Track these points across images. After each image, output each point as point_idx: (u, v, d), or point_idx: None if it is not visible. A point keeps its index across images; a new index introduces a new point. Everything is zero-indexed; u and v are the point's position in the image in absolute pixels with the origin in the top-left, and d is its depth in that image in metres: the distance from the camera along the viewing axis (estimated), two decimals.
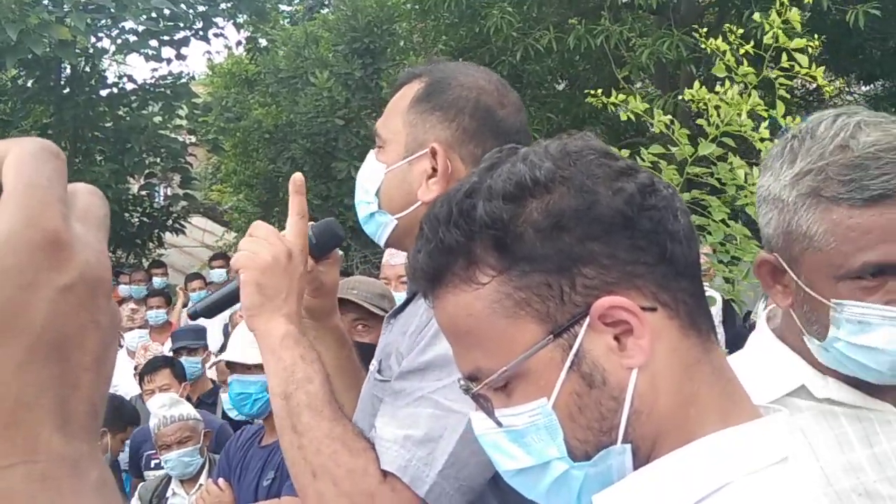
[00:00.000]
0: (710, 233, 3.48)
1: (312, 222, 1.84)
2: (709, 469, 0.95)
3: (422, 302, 1.71)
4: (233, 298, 1.86)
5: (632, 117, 3.70)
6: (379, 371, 1.74)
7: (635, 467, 0.98)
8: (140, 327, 8.40)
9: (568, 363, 0.96)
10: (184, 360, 6.02)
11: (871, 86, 13.18)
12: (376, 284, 3.32)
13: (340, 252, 1.95)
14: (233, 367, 3.41)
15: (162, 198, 15.05)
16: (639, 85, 11.60)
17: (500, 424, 1.02)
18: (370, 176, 1.78)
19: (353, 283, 3.27)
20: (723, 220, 3.42)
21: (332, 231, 1.84)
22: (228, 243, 15.12)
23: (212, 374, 6.26)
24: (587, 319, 0.96)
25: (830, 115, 1.44)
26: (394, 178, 1.74)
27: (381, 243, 1.83)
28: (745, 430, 0.98)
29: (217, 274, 10.68)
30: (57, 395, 0.50)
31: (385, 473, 1.53)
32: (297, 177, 1.81)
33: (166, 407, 4.14)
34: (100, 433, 0.54)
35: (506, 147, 1.07)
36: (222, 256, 11.53)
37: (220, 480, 3.36)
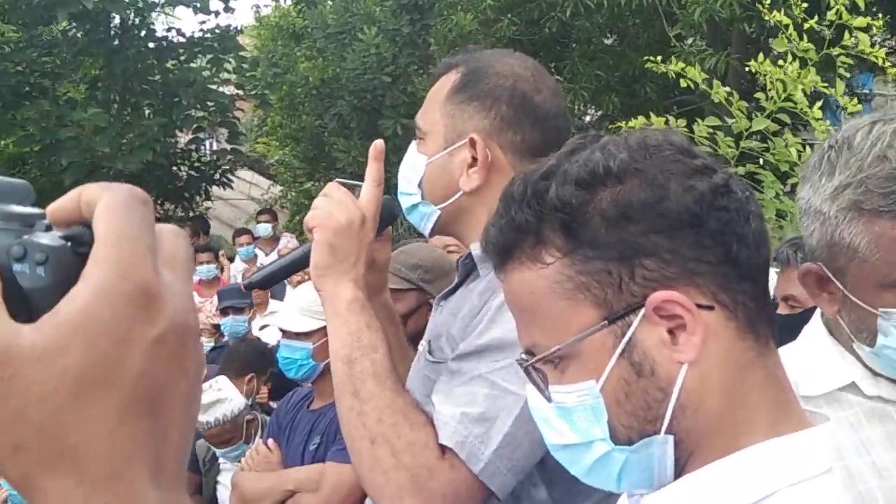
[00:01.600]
0: (763, 206, 3.44)
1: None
2: (755, 478, 0.97)
3: (473, 285, 1.76)
4: (289, 270, 1.90)
5: (691, 85, 3.65)
6: (430, 352, 1.77)
7: (677, 458, 1.00)
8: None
9: (619, 350, 0.98)
10: (230, 318, 6.11)
11: None
12: (416, 254, 3.28)
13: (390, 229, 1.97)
14: (283, 330, 3.44)
15: (209, 151, 15.13)
16: (690, 41, 11.40)
17: (549, 400, 1.05)
18: (412, 168, 1.80)
19: (395, 254, 3.27)
20: (776, 196, 3.38)
21: (389, 208, 1.85)
22: (274, 197, 15.19)
23: (257, 332, 6.35)
24: (643, 310, 0.97)
25: (866, 124, 1.43)
26: (435, 169, 1.77)
27: (426, 233, 1.87)
28: (793, 440, 0.99)
29: (263, 228, 10.78)
30: (151, 447, 0.51)
31: (443, 449, 1.57)
32: (378, 143, 1.83)
33: (203, 411, 4.12)
34: (186, 481, 0.55)
35: (590, 133, 1.09)
36: (268, 211, 11.62)
37: (270, 441, 3.41)
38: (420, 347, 1.86)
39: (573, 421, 1.03)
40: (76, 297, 0.50)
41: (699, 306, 0.97)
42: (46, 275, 0.52)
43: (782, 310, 3.07)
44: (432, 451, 1.56)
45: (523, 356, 1.08)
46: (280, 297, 8.30)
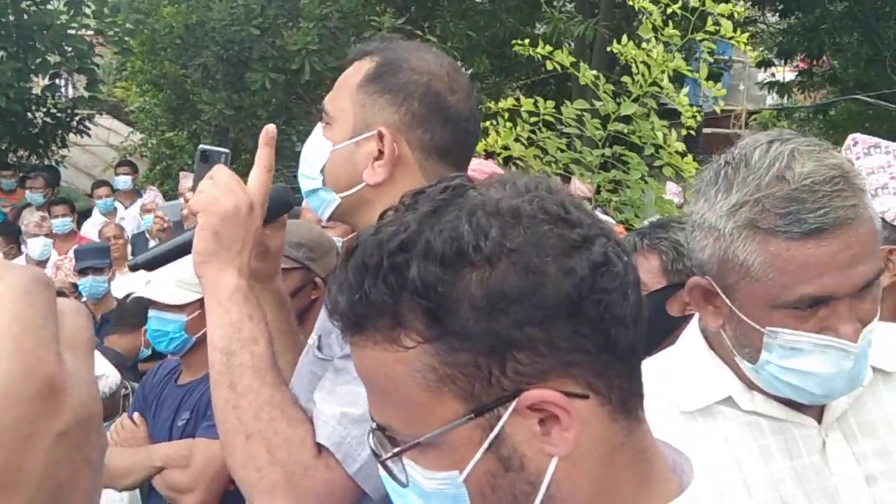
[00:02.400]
0: (629, 187, 3.55)
1: None
2: None
3: None
4: (180, 252, 1.83)
5: (557, 67, 3.72)
6: (318, 347, 1.75)
7: None
8: (46, 235, 8.21)
9: (485, 445, 0.92)
10: (90, 279, 5.93)
11: (786, 18, 13.35)
12: (296, 233, 3.25)
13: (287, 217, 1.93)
14: (152, 301, 3.34)
15: (66, 98, 14.52)
16: (559, 4, 11.55)
17: (405, 485, 0.98)
18: (316, 152, 1.77)
19: None
20: (641, 178, 3.50)
21: (283, 197, 1.83)
22: (134, 145, 14.73)
23: (116, 292, 6.20)
24: (513, 403, 0.90)
25: (764, 142, 1.44)
26: (339, 157, 1.74)
27: (325, 218, 1.84)
28: None
29: (122, 181, 10.46)
30: None
31: (320, 448, 1.56)
32: (270, 128, 1.79)
33: None
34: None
35: (453, 182, 0.97)
36: (128, 163, 11.26)
37: (136, 416, 3.32)
38: (310, 341, 1.84)
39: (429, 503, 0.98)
40: None
41: (572, 395, 0.90)
42: None
43: None
44: (308, 450, 1.56)
45: (376, 428, 1.00)
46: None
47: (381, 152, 1.70)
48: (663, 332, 2.12)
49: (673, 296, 2.29)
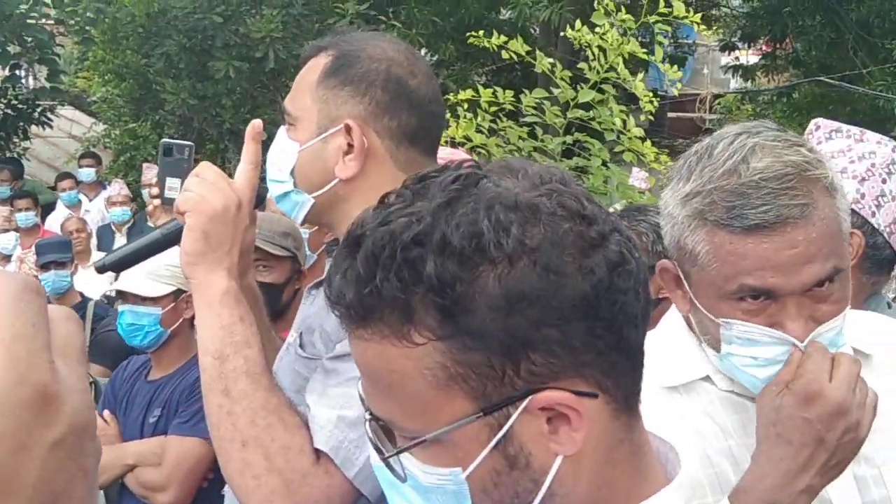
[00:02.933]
0: (591, 174, 3.58)
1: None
2: None
3: None
4: (148, 252, 1.79)
5: (514, 56, 3.74)
6: (301, 345, 1.73)
7: None
8: (15, 230, 8.14)
9: (493, 443, 0.90)
10: (52, 273, 5.88)
11: (748, 1, 13.42)
12: (281, 222, 3.25)
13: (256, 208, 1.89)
14: (124, 295, 3.30)
15: (26, 89, 14.33)
16: None
17: (404, 480, 0.96)
18: (283, 155, 1.75)
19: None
20: (603, 163, 3.52)
21: (258, 193, 1.80)
22: (97, 135, 14.58)
23: (80, 286, 6.16)
24: (524, 403, 0.89)
25: (732, 134, 1.45)
26: (308, 156, 1.72)
27: (298, 221, 1.82)
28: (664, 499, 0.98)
29: (86, 173, 10.37)
30: None
31: (318, 454, 1.55)
32: (256, 123, 1.77)
33: None
34: None
35: (465, 170, 0.93)
36: (91, 155, 11.17)
37: (106, 413, 3.28)
38: (289, 339, 1.82)
39: (428, 497, 0.96)
40: None
41: (582, 394, 0.90)
42: None
43: None
44: (307, 457, 1.54)
45: (374, 423, 0.98)
46: (108, 247, 8.05)
47: (350, 146, 1.69)
48: None
49: (650, 278, 2.32)
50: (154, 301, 3.18)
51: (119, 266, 1.82)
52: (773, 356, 1.43)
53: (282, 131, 1.78)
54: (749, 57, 14.96)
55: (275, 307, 2.94)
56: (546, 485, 0.91)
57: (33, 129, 13.65)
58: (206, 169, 1.70)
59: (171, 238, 1.76)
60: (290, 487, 1.53)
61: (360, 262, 0.90)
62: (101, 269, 1.85)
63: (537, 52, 3.62)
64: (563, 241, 0.88)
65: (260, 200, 1.83)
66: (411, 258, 0.87)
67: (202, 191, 1.66)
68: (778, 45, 13.50)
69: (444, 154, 1.96)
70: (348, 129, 1.68)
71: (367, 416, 0.98)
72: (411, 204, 0.91)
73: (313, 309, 1.77)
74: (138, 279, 3.17)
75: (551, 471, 0.91)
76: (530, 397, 0.88)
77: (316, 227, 3.09)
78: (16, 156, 13.08)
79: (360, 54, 1.72)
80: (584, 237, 0.89)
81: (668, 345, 1.58)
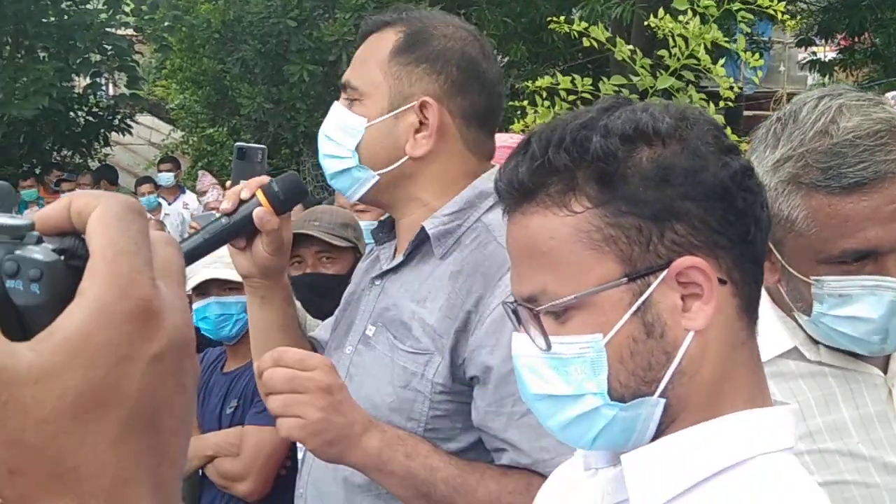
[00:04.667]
0: None
1: (272, 178, 1.72)
2: (733, 443, 1.01)
3: (430, 268, 1.67)
4: (210, 246, 1.72)
5: (594, 44, 3.69)
6: (396, 339, 1.67)
7: (661, 423, 1.02)
8: None
9: (634, 308, 1.00)
10: None
11: None
12: (340, 213, 3.27)
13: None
14: (206, 288, 3.33)
15: (107, 96, 14.70)
16: None
17: (549, 347, 1.03)
18: (344, 130, 1.72)
19: (315, 215, 3.22)
20: None
21: (298, 186, 1.75)
22: (175, 142, 14.87)
23: None
24: (665, 272, 0.99)
25: (814, 98, 1.44)
26: (377, 132, 1.69)
27: (354, 199, 1.79)
28: (766, 413, 1.05)
29: (165, 178, 10.57)
30: (150, 465, 0.50)
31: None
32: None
33: None
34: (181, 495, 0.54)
35: (622, 96, 1.13)
36: (170, 160, 11.38)
37: None
38: (364, 331, 1.76)
39: (567, 372, 1.03)
40: (74, 315, 0.49)
41: (717, 279, 1.00)
42: (41, 291, 0.50)
43: None
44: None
45: (516, 303, 1.07)
46: None
47: (421, 123, 1.67)
48: None
49: None
50: (240, 289, 3.19)
51: (188, 259, 1.73)
52: (867, 311, 1.40)
53: (339, 107, 1.74)
54: (827, 53, 14.67)
55: (339, 298, 2.96)
56: (677, 359, 1.00)
57: (114, 136, 13.99)
58: (284, 357, 1.57)
59: (218, 240, 1.72)
60: None
61: (534, 144, 1.04)
62: None
63: (617, 39, 3.57)
64: (706, 137, 1.02)
65: (304, 195, 1.79)
66: (579, 137, 1.01)
67: (294, 408, 1.55)
68: (856, 40, 13.20)
69: (504, 139, 1.94)
70: (423, 107, 1.66)
71: (513, 303, 1.08)
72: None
73: (391, 299, 1.72)
74: (220, 269, 3.18)
75: (683, 345, 1.00)
76: (674, 262, 0.99)
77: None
78: (97, 162, 13.41)
79: (434, 32, 1.71)
80: (721, 142, 1.03)
81: None
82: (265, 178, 1.73)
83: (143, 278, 0.50)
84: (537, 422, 1.48)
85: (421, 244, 1.70)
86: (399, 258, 1.75)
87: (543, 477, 1.51)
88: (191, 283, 3.28)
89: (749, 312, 1.05)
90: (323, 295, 2.95)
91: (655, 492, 1.01)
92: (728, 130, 3.35)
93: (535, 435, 1.53)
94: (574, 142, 1.01)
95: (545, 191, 1.03)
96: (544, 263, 1.04)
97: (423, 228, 1.67)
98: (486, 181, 1.67)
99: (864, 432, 1.48)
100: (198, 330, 3.66)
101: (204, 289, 3.28)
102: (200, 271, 3.22)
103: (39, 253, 0.51)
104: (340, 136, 1.72)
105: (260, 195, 1.69)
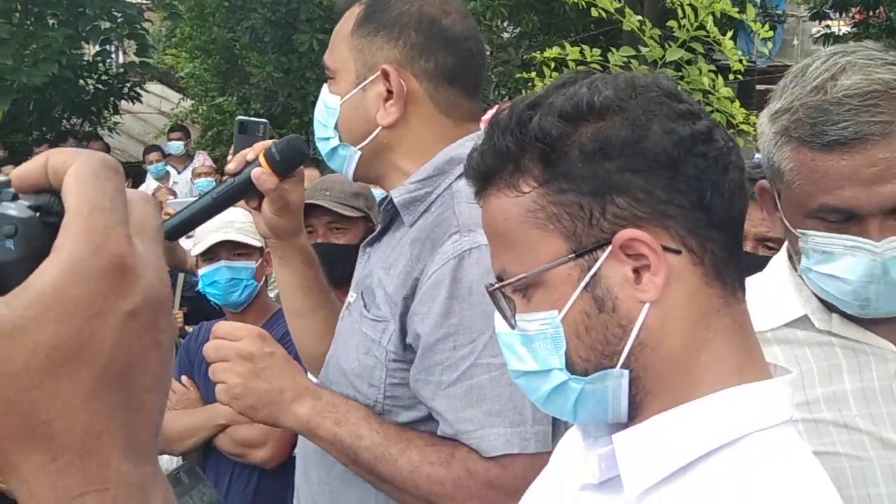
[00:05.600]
0: None
1: (276, 140, 1.81)
2: (726, 421, 1.00)
3: (400, 234, 1.70)
4: (200, 218, 1.83)
5: (603, 14, 3.66)
6: (365, 307, 1.72)
7: (633, 394, 1.03)
8: None
9: (583, 284, 1.01)
10: None
11: None
12: (351, 183, 3.26)
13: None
14: (216, 253, 3.24)
15: (117, 64, 14.66)
16: None
17: (513, 326, 1.07)
18: (326, 110, 1.75)
19: (326, 184, 3.19)
20: None
21: (297, 148, 1.79)
22: (185, 111, 14.86)
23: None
24: (609, 247, 0.99)
25: (828, 53, 1.44)
26: (349, 108, 1.71)
27: (350, 177, 1.81)
28: (760, 387, 1.02)
29: (175, 146, 10.56)
30: (123, 421, 0.51)
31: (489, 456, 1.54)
32: None
33: None
34: (158, 452, 0.55)
35: (584, 70, 1.10)
36: (180, 128, 11.38)
37: (184, 378, 3.25)
38: (349, 299, 1.81)
39: (533, 348, 1.05)
40: (48, 270, 0.49)
41: (666, 249, 0.99)
42: (16, 248, 0.50)
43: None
44: (480, 474, 1.55)
45: (493, 282, 1.10)
46: None
47: (389, 92, 1.67)
48: None
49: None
50: (249, 255, 3.19)
51: (175, 232, 1.82)
52: (845, 271, 1.40)
53: (324, 88, 1.77)
54: (841, 27, 14.54)
55: (351, 269, 2.94)
56: (634, 333, 1.00)
57: (123, 104, 13.95)
58: (218, 350, 1.72)
59: (223, 200, 1.81)
60: (487, 499, 1.57)
61: (486, 132, 1.08)
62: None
63: (626, 10, 3.54)
64: (651, 107, 1.00)
65: (303, 158, 1.81)
66: (523, 119, 1.03)
67: (226, 377, 1.69)
68: (871, 14, 13.08)
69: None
70: (386, 75, 1.66)
71: (491, 283, 1.11)
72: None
73: (369, 268, 1.76)
74: (230, 233, 3.16)
75: (638, 319, 1.00)
76: (615, 236, 0.99)
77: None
78: (107, 130, 13.39)
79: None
80: (671, 108, 1.01)
81: (768, 286, 1.56)
82: (269, 142, 1.79)
83: (118, 235, 0.50)
84: (465, 391, 1.55)
85: (396, 213, 1.72)
86: (379, 227, 1.79)
87: (469, 448, 1.55)
88: (201, 247, 3.27)
89: (721, 279, 1.03)
90: (334, 265, 2.93)
91: (647, 472, 1.01)
92: (737, 104, 3.33)
93: (460, 405, 1.55)
94: (518, 123, 1.03)
95: (499, 175, 1.06)
96: (503, 244, 1.08)
97: (391, 197, 1.70)
98: (459, 147, 1.67)
99: (865, 406, 1.46)
100: (202, 299, 3.65)
101: (213, 253, 3.25)
102: (209, 235, 3.20)
103: (14, 209, 0.51)
104: (325, 117, 1.76)
105: (261, 157, 1.76)
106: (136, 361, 0.51)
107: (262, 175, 1.75)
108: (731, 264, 1.04)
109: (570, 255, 1.01)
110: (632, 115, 0.99)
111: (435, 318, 1.56)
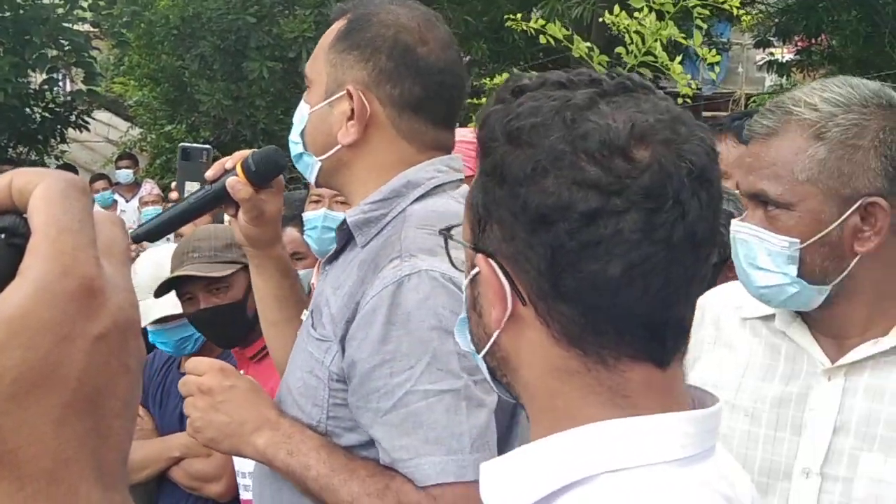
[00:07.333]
0: None
1: (255, 150, 1.84)
2: (579, 458, 0.93)
3: (353, 255, 1.70)
4: (177, 222, 1.89)
5: (551, 41, 3.70)
6: (312, 325, 1.71)
7: (517, 396, 1.02)
8: None
9: (470, 276, 1.02)
10: None
11: None
12: (221, 234, 2.92)
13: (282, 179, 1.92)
14: (165, 318, 3.13)
15: (64, 92, 14.48)
16: None
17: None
18: (298, 117, 1.78)
19: (193, 244, 2.91)
20: None
21: (273, 160, 1.82)
22: (133, 139, 14.72)
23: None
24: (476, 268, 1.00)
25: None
26: (316, 119, 1.73)
27: (312, 182, 1.83)
28: (637, 423, 0.93)
29: (124, 174, 10.45)
30: (92, 448, 0.50)
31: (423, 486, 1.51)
32: None
33: None
34: (128, 479, 0.54)
35: (577, 69, 0.99)
36: (129, 156, 11.26)
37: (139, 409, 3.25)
38: (303, 317, 1.82)
39: (463, 331, 1.09)
40: (14, 293, 0.48)
41: (517, 292, 0.95)
42: None
43: None
44: (415, 502, 1.52)
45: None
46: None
47: (353, 111, 1.67)
48: None
49: None
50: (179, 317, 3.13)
51: (151, 235, 1.84)
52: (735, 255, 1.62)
53: (305, 94, 1.79)
54: (784, 54, 14.81)
55: (243, 328, 2.86)
56: (490, 343, 1.00)
57: (71, 133, 13.78)
58: (186, 385, 1.78)
59: (199, 206, 1.85)
60: None
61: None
62: (136, 239, 1.87)
63: (574, 36, 3.57)
64: (558, 158, 0.91)
65: (280, 169, 1.84)
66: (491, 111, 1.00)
67: (194, 414, 1.75)
68: (813, 41, 13.36)
69: (461, 135, 1.95)
70: (350, 95, 1.67)
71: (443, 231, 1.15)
72: None
73: (324, 285, 1.75)
74: (167, 308, 3.05)
75: (493, 336, 0.99)
76: (475, 259, 0.99)
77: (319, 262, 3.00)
78: (54, 159, 13.21)
79: (373, 19, 1.70)
80: (581, 173, 0.90)
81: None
82: (248, 152, 1.84)
83: (86, 257, 0.49)
84: (401, 419, 1.53)
85: (351, 235, 1.72)
86: (336, 246, 1.79)
87: (404, 478, 1.53)
88: (149, 319, 3.19)
89: (580, 346, 0.94)
90: (226, 325, 2.86)
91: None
92: None
93: (396, 433, 1.53)
94: (487, 115, 1.00)
95: None
96: None
97: (345, 219, 1.70)
98: (419, 171, 1.68)
99: (776, 406, 1.63)
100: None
101: (163, 320, 3.20)
102: (153, 308, 3.12)
103: None
104: (297, 122, 1.79)
105: (238, 166, 1.81)
106: (104, 386, 0.50)
107: (236, 184, 1.79)
108: (598, 336, 0.93)
109: (470, 245, 1.01)
110: (536, 157, 0.90)
111: (372, 344, 1.54)
